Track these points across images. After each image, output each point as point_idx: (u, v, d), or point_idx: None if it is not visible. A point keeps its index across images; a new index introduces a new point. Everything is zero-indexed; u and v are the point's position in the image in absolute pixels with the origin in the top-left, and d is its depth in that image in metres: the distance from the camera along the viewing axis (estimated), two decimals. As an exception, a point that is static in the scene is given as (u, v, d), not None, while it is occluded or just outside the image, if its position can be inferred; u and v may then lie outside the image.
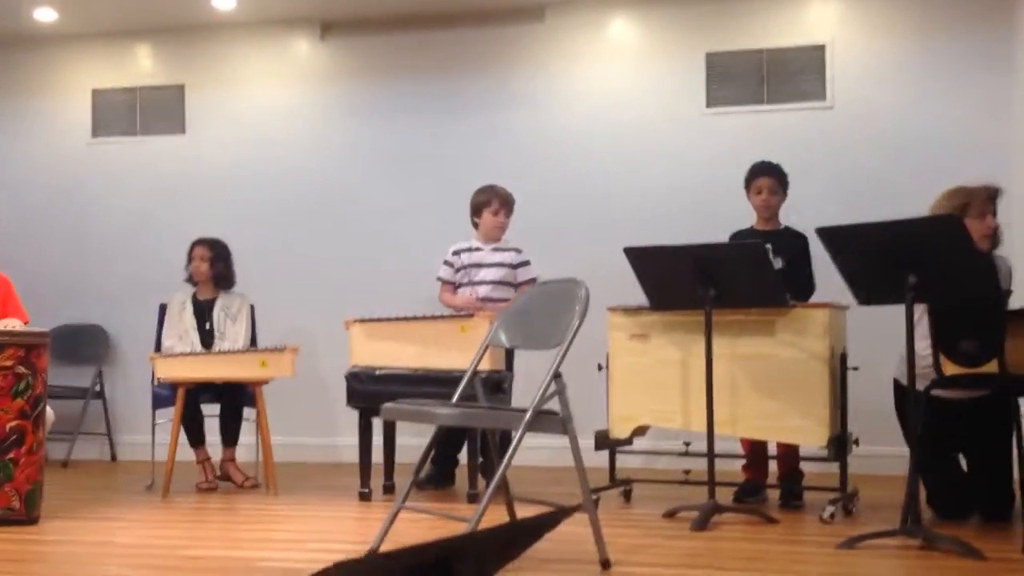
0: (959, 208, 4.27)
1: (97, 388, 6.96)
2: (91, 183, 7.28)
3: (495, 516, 3.78)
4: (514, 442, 3.28)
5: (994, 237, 4.39)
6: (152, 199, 7.15)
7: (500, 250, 5.50)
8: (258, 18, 7.03)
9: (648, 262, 4.47)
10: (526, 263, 5.48)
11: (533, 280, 5.36)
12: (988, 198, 4.35)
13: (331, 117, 7.04)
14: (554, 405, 3.41)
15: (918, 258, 3.78)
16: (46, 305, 6.86)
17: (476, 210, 5.52)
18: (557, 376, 3.38)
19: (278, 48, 7.14)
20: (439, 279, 5.57)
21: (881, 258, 3.85)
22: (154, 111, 7.25)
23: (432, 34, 6.91)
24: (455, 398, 3.68)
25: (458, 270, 5.50)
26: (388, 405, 3.48)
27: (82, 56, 7.36)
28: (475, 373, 3.78)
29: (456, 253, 5.53)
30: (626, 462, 5.31)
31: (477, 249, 5.51)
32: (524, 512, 4.40)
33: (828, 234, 4.03)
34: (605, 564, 3.37)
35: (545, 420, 3.37)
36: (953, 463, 4.51)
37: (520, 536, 1.57)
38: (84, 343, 7.08)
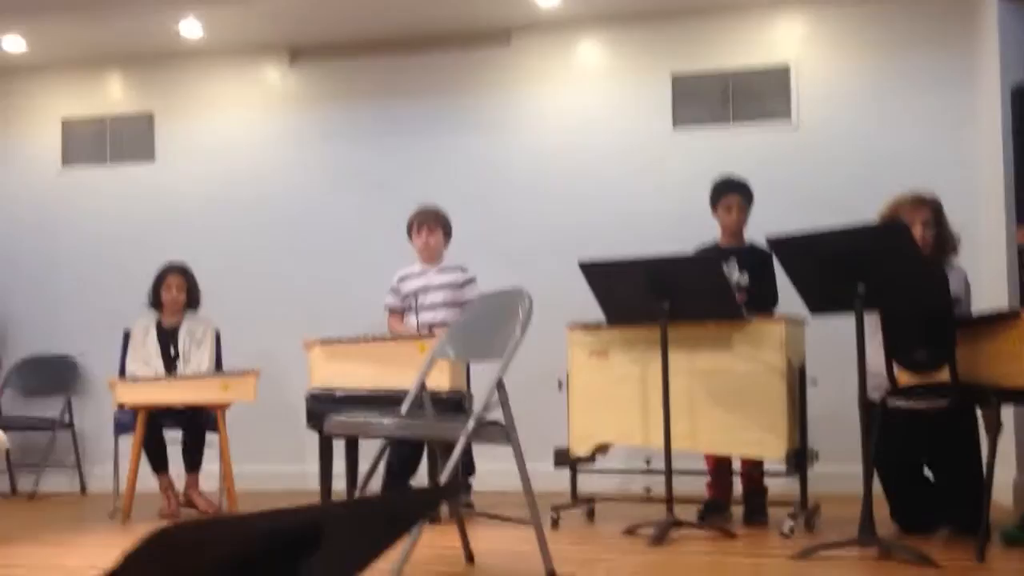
0: (887, 218, 4.27)
1: (66, 418, 6.90)
2: (61, 213, 7.27)
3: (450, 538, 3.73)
4: (456, 451, 3.24)
5: (937, 245, 4.34)
6: (122, 227, 7.14)
7: (446, 271, 5.47)
8: (226, 46, 7.04)
9: (603, 277, 4.45)
10: (471, 280, 5.44)
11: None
12: (915, 206, 4.31)
13: (300, 142, 7.04)
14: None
15: (867, 267, 3.76)
16: (16, 335, 6.87)
17: (408, 234, 5.51)
18: (500, 387, 3.35)
19: (247, 75, 7.15)
20: (386, 307, 5.54)
21: (831, 267, 3.84)
22: (124, 140, 7.25)
23: (399, 58, 6.93)
24: (403, 411, 3.64)
25: (405, 296, 5.46)
26: (333, 419, 3.45)
27: (51, 85, 7.37)
28: (424, 389, 3.74)
29: (401, 280, 5.50)
30: (593, 482, 5.27)
31: (422, 273, 5.47)
32: (478, 530, 4.38)
33: (779, 244, 4.02)
34: (551, 575, 3.33)
35: (487, 430, 3.33)
36: (917, 476, 4.47)
37: (395, 512, 1.52)
38: (53, 373, 7.03)
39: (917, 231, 4.25)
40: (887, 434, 4.04)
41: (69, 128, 7.34)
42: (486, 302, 3.73)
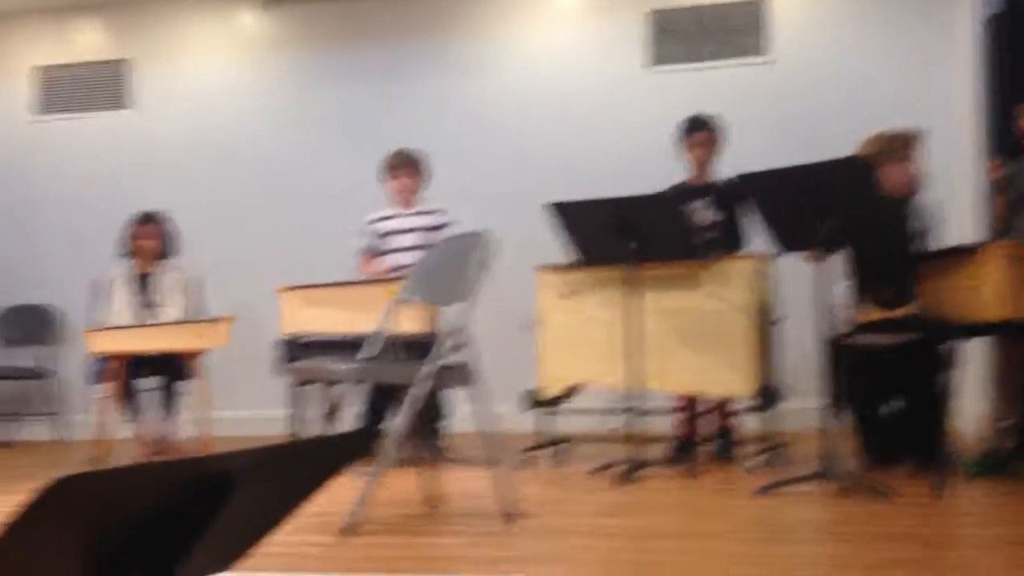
0: (877, 155, 4.25)
1: (48, 368, 6.92)
2: (34, 162, 7.23)
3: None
4: (416, 392, 3.26)
5: (915, 181, 4.36)
6: (97, 176, 7.11)
7: (422, 214, 5.44)
8: (198, -10, 6.97)
9: (570, 217, 4.45)
10: (448, 223, 5.40)
11: None
12: (906, 142, 4.32)
13: (275, 88, 7.00)
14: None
15: (831, 204, 3.76)
16: (-8, 286, 6.86)
17: (382, 179, 5.48)
18: (460, 329, 3.36)
19: (221, 20, 7.08)
20: (358, 250, 5.52)
21: (799, 205, 3.83)
22: (98, 87, 7.20)
23: (374, 2, 6.86)
24: (364, 356, 3.66)
25: (379, 238, 5.42)
26: (292, 364, 3.46)
27: (22, 33, 7.30)
28: (386, 333, 3.75)
29: (373, 222, 5.47)
30: (568, 423, 5.30)
31: (393, 216, 5.45)
32: (448, 473, 4.42)
33: (748, 180, 4.01)
34: (509, 516, 3.36)
35: (448, 374, 3.35)
36: (882, 410, 4.50)
37: (313, 458, 1.53)
38: (31, 323, 7.05)
39: (907, 168, 4.25)
40: (853, 370, 4.07)
41: (41, 76, 7.27)
42: (447, 246, 3.74)
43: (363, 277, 5.42)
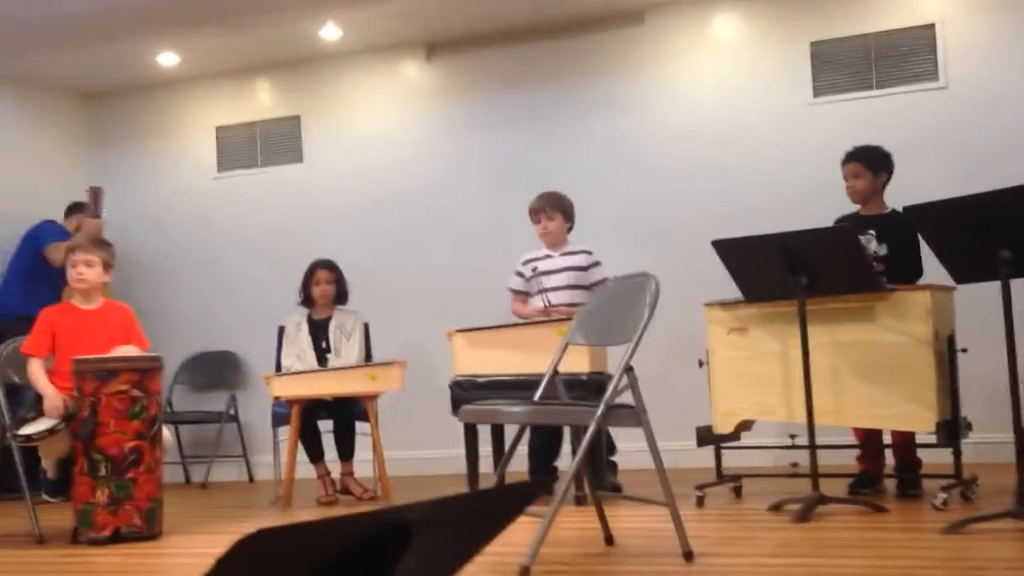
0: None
1: (232, 412, 7.24)
2: (217, 216, 7.62)
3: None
4: (587, 436, 3.28)
5: None
6: (274, 227, 7.43)
7: (569, 254, 5.50)
8: (365, 45, 7.23)
9: (737, 254, 4.41)
10: (597, 264, 5.44)
11: (605, 280, 5.33)
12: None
13: (440, 135, 7.18)
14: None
15: (1010, 232, 3.63)
16: (180, 334, 7.22)
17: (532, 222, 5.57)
18: (629, 370, 3.37)
19: (386, 72, 7.33)
20: (509, 289, 5.61)
21: (972, 234, 3.72)
22: (273, 143, 7.54)
23: (533, 46, 6.98)
24: (535, 398, 3.70)
25: (529, 279, 5.51)
26: (465, 407, 3.53)
27: (205, 96, 7.72)
28: (557, 375, 3.79)
29: (525, 262, 5.56)
30: (740, 458, 5.23)
31: (546, 256, 5.52)
32: (621, 509, 4.41)
33: (915, 212, 3.92)
34: (688, 556, 3.34)
35: (619, 414, 3.36)
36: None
37: (489, 508, 1.56)
38: (217, 369, 7.39)
39: None
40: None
41: (223, 135, 7.67)
42: (614, 287, 3.76)
43: (515, 317, 5.50)
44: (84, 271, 4.87)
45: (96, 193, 6.39)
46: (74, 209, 6.90)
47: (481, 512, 1.56)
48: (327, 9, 6.71)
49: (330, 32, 6.94)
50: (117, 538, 4.37)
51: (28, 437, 4.55)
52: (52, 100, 7.72)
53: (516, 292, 5.59)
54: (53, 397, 4.55)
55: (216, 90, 7.70)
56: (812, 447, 4.26)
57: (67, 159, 7.76)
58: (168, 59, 7.30)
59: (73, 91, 7.84)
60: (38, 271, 6.67)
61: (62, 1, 6.42)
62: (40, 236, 6.79)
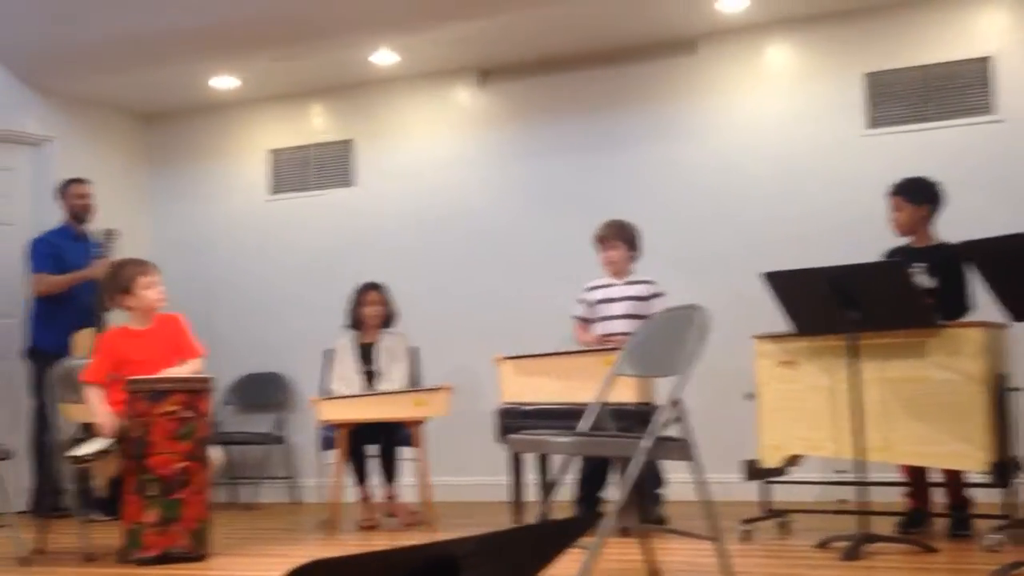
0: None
1: (279, 433, 7.29)
2: (269, 238, 7.70)
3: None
4: (634, 467, 3.27)
5: None
6: (325, 250, 7.50)
7: (631, 283, 5.50)
8: (418, 71, 7.29)
9: (787, 287, 4.38)
10: (659, 295, 5.44)
11: None
12: None
13: (491, 161, 7.22)
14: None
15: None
16: (231, 355, 7.27)
17: (596, 249, 5.58)
18: (676, 402, 3.36)
19: (438, 98, 7.38)
20: (574, 317, 5.62)
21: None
22: (325, 166, 7.62)
23: (586, 73, 7.01)
24: (582, 428, 3.69)
25: (592, 306, 5.53)
26: (512, 437, 3.53)
27: (259, 119, 7.82)
28: (605, 405, 3.78)
29: (589, 290, 5.58)
30: (787, 492, 5.18)
31: (609, 285, 5.53)
32: (668, 542, 4.38)
33: (972, 247, 3.87)
34: (733, 593, 3.31)
35: (666, 447, 3.35)
36: None
37: (536, 542, 1.57)
38: (266, 391, 7.45)
39: None
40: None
41: (276, 158, 7.76)
42: (663, 318, 3.75)
43: (579, 345, 5.50)
44: (162, 290, 4.94)
45: (110, 235, 6.50)
46: (68, 184, 6.77)
47: (528, 547, 1.57)
48: (381, 35, 6.78)
49: (384, 58, 7.01)
50: (165, 558, 4.41)
51: (80, 458, 4.61)
52: (110, 121, 7.86)
53: (579, 320, 5.60)
54: (105, 418, 4.62)
55: (270, 113, 7.80)
56: (861, 484, 4.21)
57: (123, 179, 7.88)
58: (224, 82, 7.41)
59: (130, 112, 7.97)
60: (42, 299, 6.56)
61: (122, 24, 6.54)
62: (31, 259, 6.62)
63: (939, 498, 4.83)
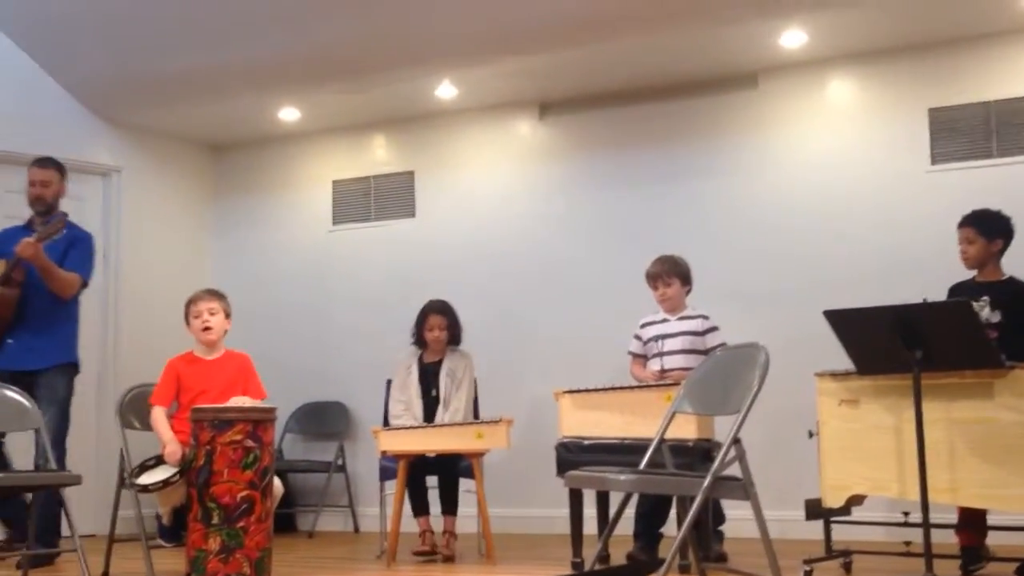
0: None
1: (340, 462, 7.35)
2: (331, 268, 7.80)
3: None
4: (695, 506, 3.27)
5: None
6: (386, 280, 7.57)
7: (686, 318, 5.51)
8: (480, 104, 7.36)
9: (850, 325, 4.34)
10: (714, 329, 5.45)
11: (722, 345, 5.31)
12: None
13: (552, 193, 7.26)
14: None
15: None
16: (292, 384, 7.36)
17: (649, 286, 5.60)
18: (736, 441, 3.35)
19: (499, 131, 7.45)
20: (629, 353, 5.63)
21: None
22: (387, 197, 7.71)
23: (646, 107, 7.04)
24: (642, 465, 3.70)
25: (646, 343, 5.53)
26: (571, 473, 3.55)
27: (322, 150, 7.95)
28: (664, 442, 3.78)
29: (643, 326, 5.59)
30: (851, 532, 5.12)
31: (663, 320, 5.54)
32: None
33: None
34: (793, 635, 3.29)
35: (726, 486, 3.34)
36: None
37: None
38: (327, 419, 7.52)
39: None
40: None
41: (338, 188, 7.86)
42: (723, 356, 3.75)
43: (634, 380, 5.50)
44: (209, 319, 5.04)
45: (52, 219, 5.47)
46: (45, 163, 5.74)
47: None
48: (444, 68, 6.87)
49: (446, 91, 7.10)
50: (227, 586, 4.46)
51: (145, 487, 4.69)
52: (177, 152, 8.03)
53: (635, 355, 5.61)
54: (173, 444, 4.71)
55: (333, 145, 7.92)
56: (926, 525, 4.15)
57: (189, 208, 8.05)
58: (289, 114, 7.54)
59: (196, 143, 8.14)
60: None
61: (190, 59, 6.70)
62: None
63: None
